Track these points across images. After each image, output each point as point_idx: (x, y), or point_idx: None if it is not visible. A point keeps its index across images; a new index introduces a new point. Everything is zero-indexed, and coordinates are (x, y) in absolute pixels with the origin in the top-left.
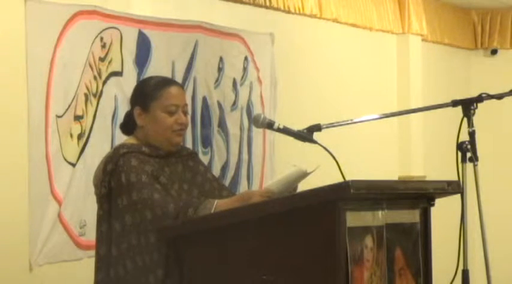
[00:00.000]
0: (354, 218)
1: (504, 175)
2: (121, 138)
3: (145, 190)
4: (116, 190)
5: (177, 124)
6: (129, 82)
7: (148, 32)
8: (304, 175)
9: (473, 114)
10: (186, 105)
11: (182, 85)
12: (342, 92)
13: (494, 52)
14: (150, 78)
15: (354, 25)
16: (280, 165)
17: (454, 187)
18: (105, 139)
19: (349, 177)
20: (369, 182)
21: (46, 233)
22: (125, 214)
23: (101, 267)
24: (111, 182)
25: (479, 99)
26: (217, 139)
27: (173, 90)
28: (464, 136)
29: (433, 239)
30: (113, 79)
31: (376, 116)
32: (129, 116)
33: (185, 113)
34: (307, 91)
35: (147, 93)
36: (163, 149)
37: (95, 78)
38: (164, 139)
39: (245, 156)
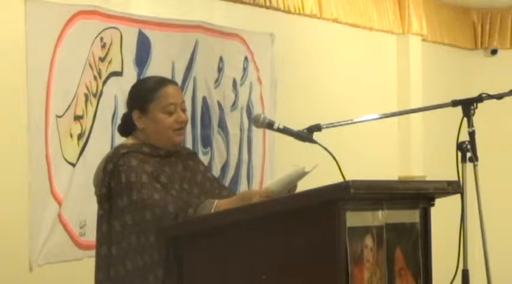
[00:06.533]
0: (354, 218)
1: (504, 175)
2: (121, 138)
3: (145, 190)
4: (116, 190)
5: (177, 123)
6: (129, 82)
7: (148, 32)
8: (303, 174)
9: (473, 114)
10: (183, 102)
11: (177, 83)
12: (342, 92)
13: (494, 52)
14: (145, 79)
15: (354, 25)
16: (280, 165)
17: (454, 187)
18: (105, 139)
19: (349, 177)
20: (369, 182)
21: (46, 233)
22: (125, 214)
23: (101, 267)
24: (111, 182)
25: (479, 99)
26: (217, 139)
27: (169, 89)
28: (464, 136)
29: (433, 239)
30: (113, 79)
31: (376, 116)
32: (126, 118)
33: (183, 110)
34: (307, 91)
35: (144, 95)
36: (164, 149)
37: (95, 78)
38: (166, 139)
39: (245, 156)
